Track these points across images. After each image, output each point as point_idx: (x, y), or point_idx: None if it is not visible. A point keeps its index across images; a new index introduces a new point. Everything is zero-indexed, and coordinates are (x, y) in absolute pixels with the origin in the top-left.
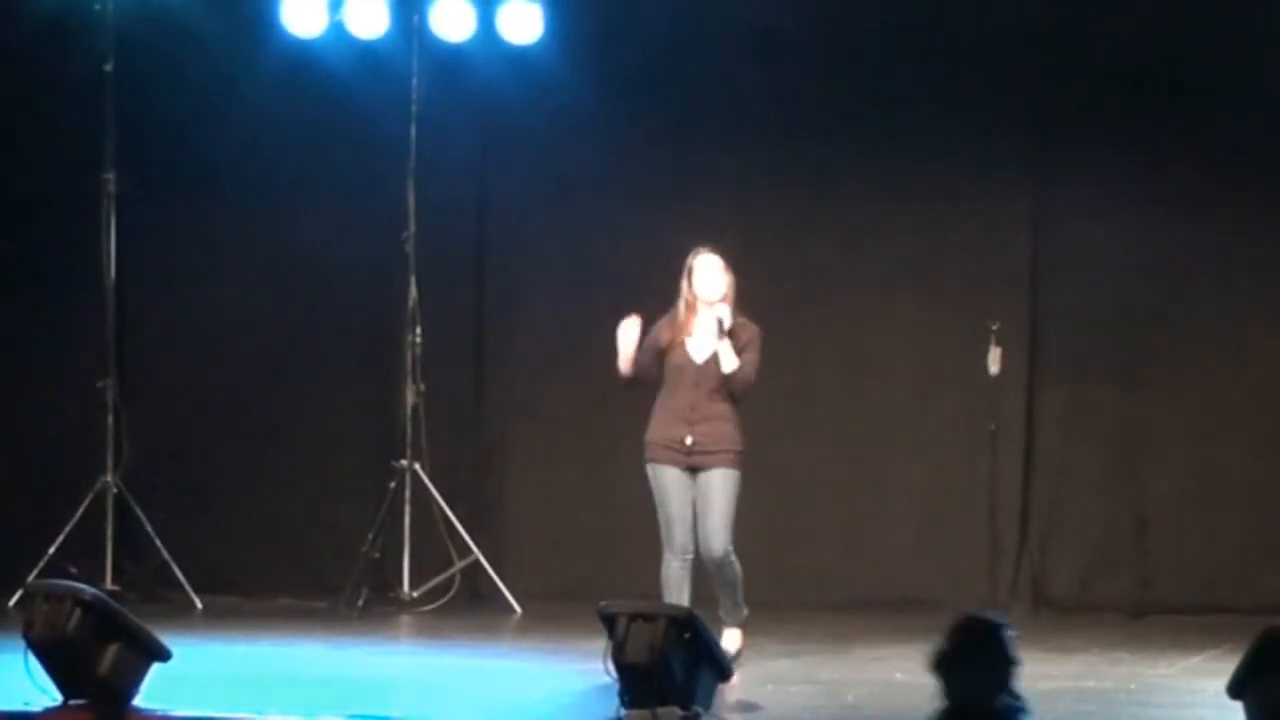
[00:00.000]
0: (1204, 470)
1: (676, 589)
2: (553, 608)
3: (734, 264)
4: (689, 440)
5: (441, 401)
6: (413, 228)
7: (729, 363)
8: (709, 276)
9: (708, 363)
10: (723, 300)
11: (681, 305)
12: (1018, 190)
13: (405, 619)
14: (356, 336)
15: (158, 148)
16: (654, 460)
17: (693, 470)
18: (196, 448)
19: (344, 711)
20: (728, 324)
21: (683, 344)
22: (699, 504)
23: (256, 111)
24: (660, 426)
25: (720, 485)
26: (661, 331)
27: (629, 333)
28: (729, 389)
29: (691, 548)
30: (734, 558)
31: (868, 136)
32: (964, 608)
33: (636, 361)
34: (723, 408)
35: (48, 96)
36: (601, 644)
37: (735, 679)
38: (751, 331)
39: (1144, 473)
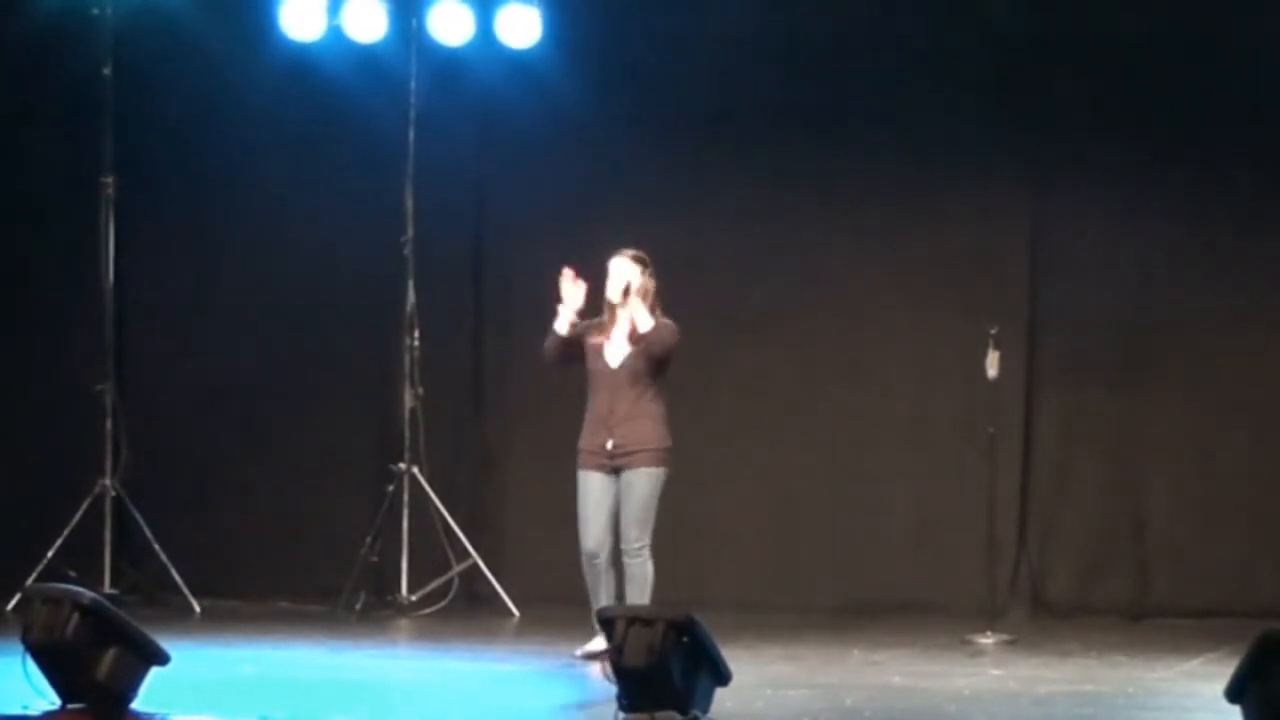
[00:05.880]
0: (1202, 474)
1: (593, 590)
2: (551, 611)
3: (735, 267)
4: (610, 444)
5: (440, 405)
6: (411, 231)
7: (644, 322)
8: (612, 278)
9: (622, 367)
10: (630, 297)
11: (605, 310)
12: (1016, 195)
13: (403, 622)
14: (355, 340)
15: (157, 151)
16: (580, 466)
17: (617, 471)
18: (195, 451)
19: (342, 715)
20: (636, 285)
21: (601, 349)
22: (620, 501)
23: (255, 115)
24: (586, 434)
25: (638, 484)
26: (591, 329)
27: (573, 289)
28: (649, 352)
29: (600, 551)
30: (646, 555)
31: (867, 140)
32: None
33: (568, 339)
34: (642, 408)
35: (47, 100)
36: (600, 648)
37: (733, 682)
38: (665, 321)
39: (1142, 476)
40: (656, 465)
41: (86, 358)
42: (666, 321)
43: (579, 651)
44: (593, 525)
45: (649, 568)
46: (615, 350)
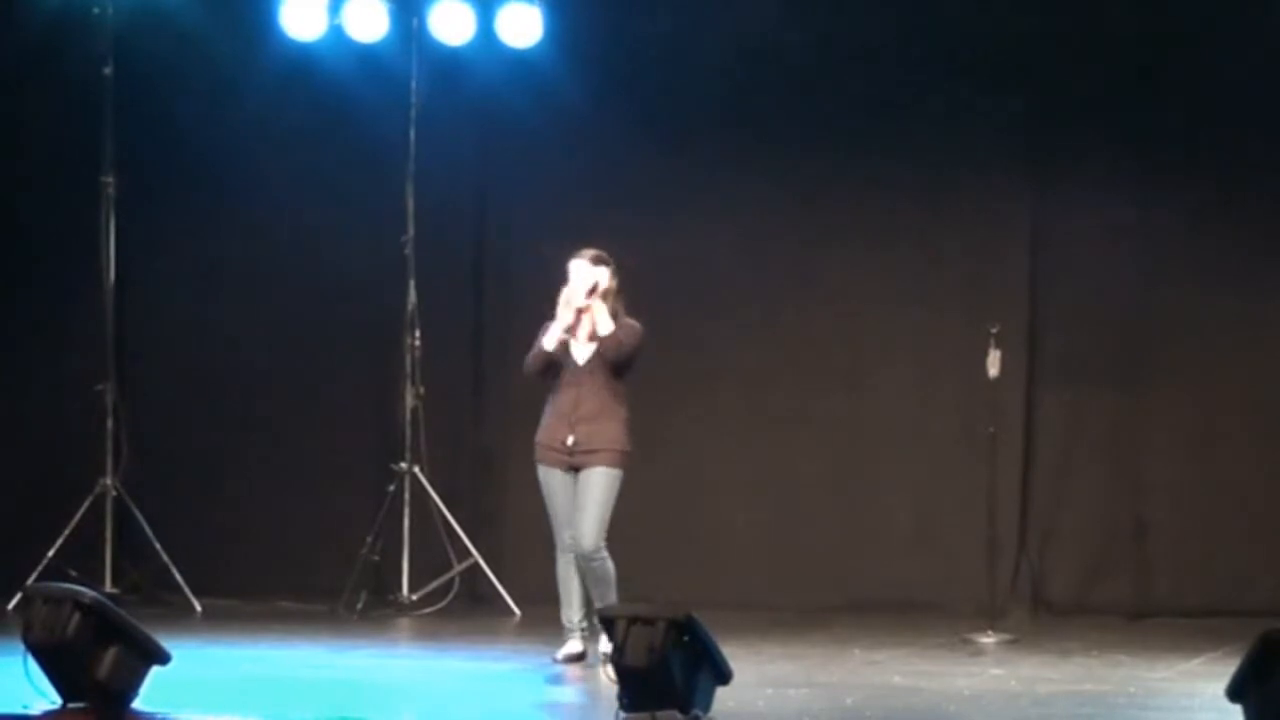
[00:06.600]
0: (1202, 473)
1: (565, 585)
2: (552, 611)
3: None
4: (570, 440)
5: (441, 404)
6: (412, 231)
7: (604, 326)
8: (573, 281)
9: (587, 365)
10: (594, 298)
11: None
12: (1017, 194)
13: (404, 622)
14: (356, 340)
15: (157, 151)
16: (541, 461)
17: (575, 469)
18: (195, 451)
19: (343, 715)
20: (603, 286)
21: (567, 345)
22: (577, 498)
23: (256, 114)
24: (546, 429)
25: (595, 484)
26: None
27: (567, 312)
28: (606, 356)
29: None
30: (605, 555)
31: (867, 140)
32: None
33: (553, 355)
34: (605, 406)
35: (47, 99)
36: (601, 647)
37: (734, 682)
38: (628, 322)
39: (1142, 475)
40: (615, 466)
41: (87, 357)
42: (630, 323)
43: (558, 655)
44: (564, 519)
45: (609, 565)
46: (581, 349)
